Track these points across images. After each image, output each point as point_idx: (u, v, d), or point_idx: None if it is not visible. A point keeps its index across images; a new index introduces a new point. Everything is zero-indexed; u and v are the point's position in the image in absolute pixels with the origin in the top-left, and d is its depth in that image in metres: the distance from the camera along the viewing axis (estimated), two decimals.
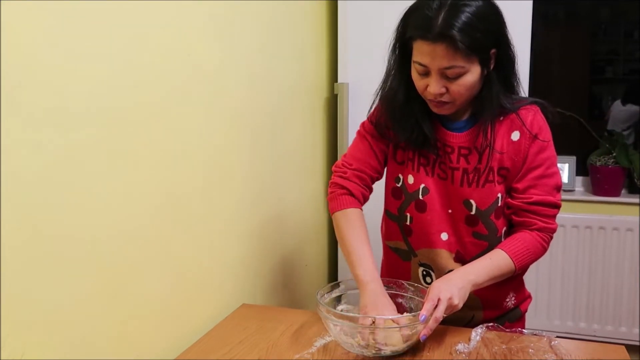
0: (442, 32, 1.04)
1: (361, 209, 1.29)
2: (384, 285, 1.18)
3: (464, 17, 1.04)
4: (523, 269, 1.22)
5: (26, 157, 0.81)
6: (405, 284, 1.23)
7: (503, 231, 1.24)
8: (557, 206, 1.20)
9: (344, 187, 1.28)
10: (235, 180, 1.44)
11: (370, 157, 1.29)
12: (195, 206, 1.26)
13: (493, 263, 1.17)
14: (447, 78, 1.09)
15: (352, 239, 1.22)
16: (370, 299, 1.14)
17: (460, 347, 1.12)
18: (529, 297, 1.38)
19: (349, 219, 1.25)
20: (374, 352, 1.08)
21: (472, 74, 1.10)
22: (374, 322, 1.08)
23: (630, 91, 3.00)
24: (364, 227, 1.25)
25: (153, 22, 1.08)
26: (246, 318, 1.31)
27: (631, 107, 2.96)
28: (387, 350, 1.08)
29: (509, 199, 1.21)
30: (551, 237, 1.22)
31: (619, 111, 3.00)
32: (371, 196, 1.42)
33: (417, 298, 1.20)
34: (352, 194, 1.28)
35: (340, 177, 1.30)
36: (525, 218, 1.20)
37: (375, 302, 1.13)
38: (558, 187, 1.21)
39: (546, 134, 1.19)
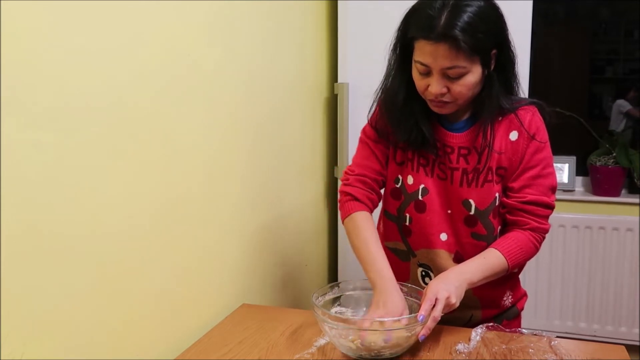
0: (445, 32, 1.04)
1: (367, 211, 1.28)
2: None
3: (466, 17, 1.04)
4: (515, 267, 1.22)
5: (26, 157, 0.81)
6: (398, 285, 1.22)
7: (498, 230, 1.24)
8: (550, 207, 1.21)
9: (348, 194, 1.29)
10: (235, 180, 1.44)
11: (371, 161, 1.29)
12: (195, 206, 1.26)
13: (487, 262, 1.17)
14: (449, 78, 1.09)
15: (359, 243, 1.23)
16: (377, 297, 1.14)
17: (460, 347, 1.12)
18: (525, 295, 1.38)
19: (355, 224, 1.25)
20: (373, 354, 1.08)
21: (474, 75, 1.10)
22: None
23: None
24: (371, 228, 1.25)
25: (153, 21, 1.08)
26: (246, 318, 1.31)
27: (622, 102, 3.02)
28: (385, 353, 1.08)
29: (504, 198, 1.21)
30: (543, 238, 1.23)
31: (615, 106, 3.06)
32: None
33: (410, 298, 1.19)
34: (356, 199, 1.27)
35: (345, 184, 1.31)
36: (519, 217, 1.20)
37: (378, 301, 1.13)
38: (553, 188, 1.21)
39: (543, 134, 1.19)
